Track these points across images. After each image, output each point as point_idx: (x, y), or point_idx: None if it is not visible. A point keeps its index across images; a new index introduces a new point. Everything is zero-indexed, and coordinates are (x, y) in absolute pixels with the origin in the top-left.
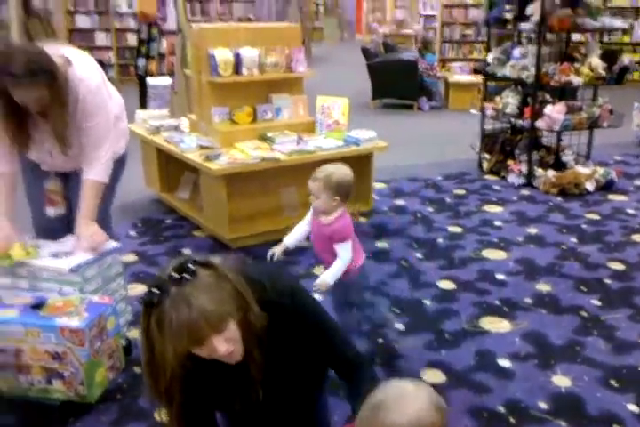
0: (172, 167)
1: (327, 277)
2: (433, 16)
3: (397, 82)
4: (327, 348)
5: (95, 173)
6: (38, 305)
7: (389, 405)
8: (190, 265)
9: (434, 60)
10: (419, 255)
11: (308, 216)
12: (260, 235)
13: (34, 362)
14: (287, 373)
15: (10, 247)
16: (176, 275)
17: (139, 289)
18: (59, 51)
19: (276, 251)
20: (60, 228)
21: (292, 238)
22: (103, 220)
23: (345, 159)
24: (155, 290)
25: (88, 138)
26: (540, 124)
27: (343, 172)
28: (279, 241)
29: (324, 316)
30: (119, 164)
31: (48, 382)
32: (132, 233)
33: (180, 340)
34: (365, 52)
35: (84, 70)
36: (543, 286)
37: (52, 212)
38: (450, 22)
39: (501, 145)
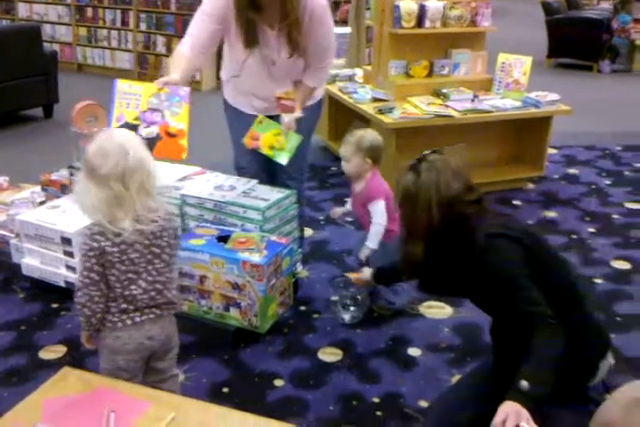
0: (340, 117)
1: (368, 243)
2: None
3: (578, 41)
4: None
5: (314, 81)
6: (224, 238)
7: None
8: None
9: (628, 20)
10: (591, 230)
11: None
12: None
13: (215, 289)
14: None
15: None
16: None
17: (306, 232)
18: None
19: (337, 212)
20: (256, 170)
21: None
22: (300, 170)
23: (522, 121)
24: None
25: (315, 51)
26: None
27: (374, 135)
28: None
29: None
30: (318, 108)
31: (226, 309)
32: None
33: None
34: (546, 7)
35: None
36: None
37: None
38: None
39: None
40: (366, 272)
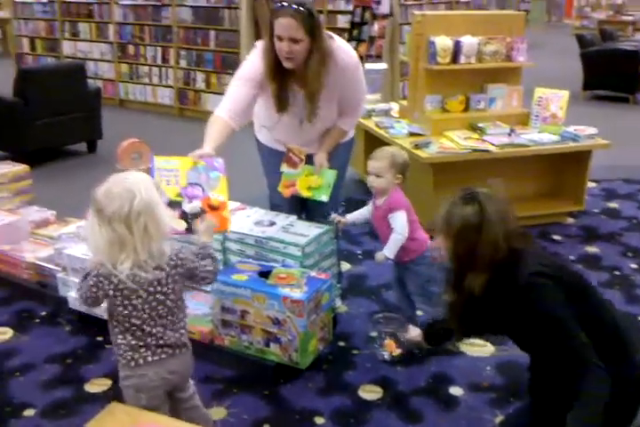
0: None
1: (385, 250)
2: None
3: (614, 73)
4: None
5: (345, 124)
6: (265, 274)
7: None
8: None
9: None
10: (634, 266)
11: (370, 205)
12: None
13: (256, 324)
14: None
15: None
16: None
17: (344, 267)
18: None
19: (341, 220)
20: (291, 208)
21: (354, 215)
22: (335, 205)
23: (560, 155)
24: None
25: (348, 103)
26: None
27: (403, 153)
28: None
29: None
30: (350, 145)
31: (266, 344)
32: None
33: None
34: (581, 39)
35: (346, 45)
36: None
37: (290, 171)
38: None
39: None
40: (415, 332)
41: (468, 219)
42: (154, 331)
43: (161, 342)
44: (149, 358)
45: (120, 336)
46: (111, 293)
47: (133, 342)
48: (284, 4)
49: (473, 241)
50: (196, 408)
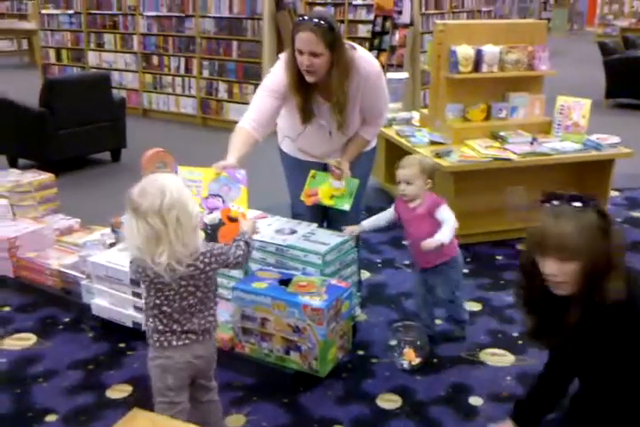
0: (396, 160)
1: (439, 235)
2: None
3: (637, 80)
4: None
5: (368, 133)
6: (285, 282)
7: None
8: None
9: None
10: None
11: (389, 211)
12: (482, 234)
13: (276, 332)
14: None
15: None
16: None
17: (364, 275)
18: (346, 42)
19: (355, 230)
20: (312, 217)
21: (369, 223)
22: (357, 214)
23: (582, 164)
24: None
25: (371, 111)
26: None
27: (430, 158)
28: (501, 242)
29: None
30: (372, 154)
31: (286, 352)
32: None
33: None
34: (603, 47)
35: (367, 55)
36: None
37: (336, 184)
38: None
39: None
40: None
41: (595, 226)
42: (181, 318)
43: (186, 328)
44: (174, 343)
45: (150, 320)
46: (148, 280)
47: (160, 328)
48: (305, 17)
49: (604, 249)
50: (214, 404)
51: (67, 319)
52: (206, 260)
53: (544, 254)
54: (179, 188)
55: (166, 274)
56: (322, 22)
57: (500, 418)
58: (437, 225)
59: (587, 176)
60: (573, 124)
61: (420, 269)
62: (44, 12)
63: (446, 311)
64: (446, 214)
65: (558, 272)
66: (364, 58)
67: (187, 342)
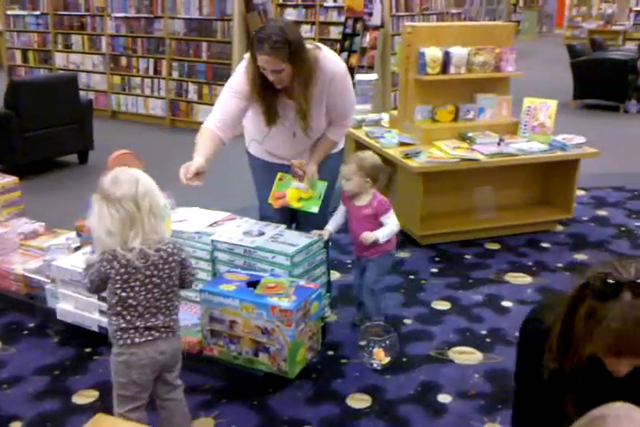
0: None
1: (378, 233)
2: None
3: (604, 82)
4: None
5: (335, 134)
6: (254, 283)
7: (609, 422)
8: None
9: None
10: None
11: (342, 207)
12: (450, 234)
13: (245, 334)
14: None
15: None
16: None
17: (333, 276)
18: (310, 42)
19: (324, 234)
20: (281, 219)
21: (332, 224)
22: (325, 216)
23: (549, 164)
24: (610, 282)
25: (337, 112)
26: None
27: (373, 156)
28: (469, 241)
29: None
30: (340, 156)
31: (255, 354)
32: None
33: (605, 343)
34: (571, 49)
35: (333, 55)
36: None
37: (299, 186)
38: None
39: None
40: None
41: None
42: (145, 312)
43: (149, 324)
44: (137, 340)
45: (114, 318)
46: (114, 272)
47: (123, 326)
48: (263, 36)
49: None
50: (179, 404)
51: (31, 325)
52: (175, 249)
53: (622, 355)
54: (149, 180)
55: (137, 261)
56: (277, 41)
57: (469, 415)
58: (380, 226)
59: (553, 176)
60: (540, 125)
61: (357, 257)
62: (9, 13)
63: (362, 297)
64: (391, 220)
65: (613, 367)
66: (329, 58)
67: (149, 338)
